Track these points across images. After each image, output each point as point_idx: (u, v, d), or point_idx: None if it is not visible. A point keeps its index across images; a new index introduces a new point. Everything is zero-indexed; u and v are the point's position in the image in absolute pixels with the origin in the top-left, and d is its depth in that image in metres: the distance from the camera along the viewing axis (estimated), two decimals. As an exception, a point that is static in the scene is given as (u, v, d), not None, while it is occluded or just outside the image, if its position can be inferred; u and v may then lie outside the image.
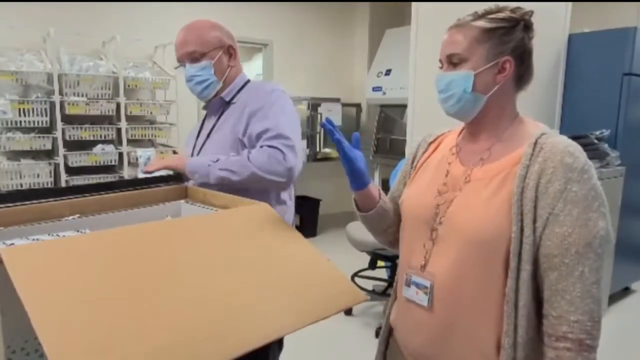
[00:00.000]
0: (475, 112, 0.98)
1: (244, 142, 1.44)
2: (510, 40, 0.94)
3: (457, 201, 0.96)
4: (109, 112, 3.65)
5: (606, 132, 3.04)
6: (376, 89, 4.71)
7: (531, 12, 0.97)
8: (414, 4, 3.34)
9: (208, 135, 1.53)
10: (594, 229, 0.84)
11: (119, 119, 3.72)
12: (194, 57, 1.48)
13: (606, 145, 2.99)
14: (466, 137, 1.05)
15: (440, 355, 0.98)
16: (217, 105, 1.56)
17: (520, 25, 0.95)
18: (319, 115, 4.98)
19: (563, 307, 0.85)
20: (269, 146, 1.36)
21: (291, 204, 1.58)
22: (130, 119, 3.78)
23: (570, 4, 3.30)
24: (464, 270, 0.92)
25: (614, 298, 3.37)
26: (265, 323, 0.75)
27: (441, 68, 1.01)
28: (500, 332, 0.90)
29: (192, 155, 1.55)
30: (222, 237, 0.92)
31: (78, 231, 1.00)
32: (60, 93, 3.44)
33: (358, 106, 5.37)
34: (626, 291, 3.60)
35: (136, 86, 3.81)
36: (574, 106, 3.34)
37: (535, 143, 0.91)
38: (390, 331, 1.15)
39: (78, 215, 1.07)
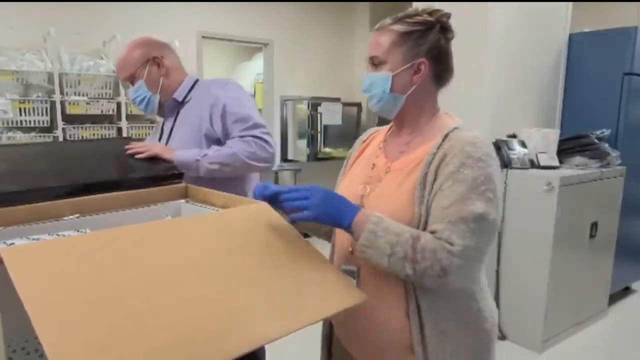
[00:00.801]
0: (396, 110, 1.05)
1: (213, 135, 1.54)
2: (424, 43, 1.00)
3: (376, 190, 1.05)
4: (109, 111, 3.65)
5: (607, 132, 3.03)
6: (377, 88, 4.70)
7: (449, 14, 1.03)
8: (414, 3, 3.34)
9: (169, 136, 1.62)
10: (471, 206, 0.89)
11: (119, 119, 3.72)
12: (129, 81, 1.60)
13: (607, 145, 2.99)
14: (392, 133, 1.13)
15: (365, 335, 1.04)
16: (171, 107, 1.65)
17: (436, 28, 1.01)
18: (319, 115, 4.98)
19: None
20: (252, 136, 1.50)
21: None
22: (131, 118, 3.79)
23: (570, 3, 3.30)
24: None
25: (614, 298, 3.36)
26: (265, 323, 0.75)
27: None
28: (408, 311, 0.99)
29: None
30: (221, 236, 0.92)
31: (78, 231, 1.00)
32: (61, 92, 3.44)
33: (358, 105, 5.37)
34: (626, 291, 3.60)
35: (137, 86, 3.80)
36: (575, 106, 3.34)
37: (447, 135, 0.99)
38: (331, 327, 1.21)
39: (77, 215, 1.07)
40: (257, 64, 5.31)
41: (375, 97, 1.04)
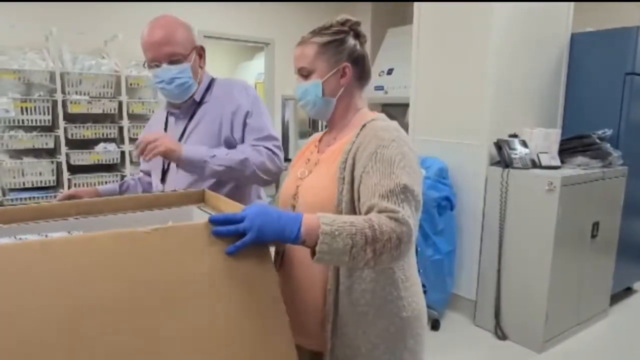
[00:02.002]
0: (330, 112, 1.18)
1: (232, 142, 1.49)
2: (344, 49, 1.13)
3: (307, 179, 1.17)
4: (111, 110, 3.66)
5: (608, 132, 3.03)
6: (378, 88, 4.70)
7: (359, 22, 1.17)
8: (415, 3, 3.33)
9: (182, 137, 1.52)
10: (396, 179, 0.97)
11: (120, 118, 3.73)
12: (175, 59, 1.44)
13: (608, 145, 2.98)
14: (326, 132, 1.27)
15: (290, 304, 1.01)
16: (187, 107, 1.54)
17: (351, 35, 1.15)
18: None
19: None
20: (265, 147, 1.46)
21: (267, 201, 1.65)
22: (132, 117, 3.79)
23: (572, 3, 3.30)
24: None
25: (615, 298, 3.36)
26: None
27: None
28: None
29: (162, 161, 1.54)
30: (169, 256, 0.82)
31: (69, 232, 0.98)
32: (63, 91, 3.44)
33: (360, 105, 5.36)
34: (628, 291, 3.60)
35: (138, 85, 3.81)
36: (576, 106, 3.33)
37: (364, 125, 1.10)
38: None
39: (74, 216, 1.06)
40: (258, 64, 5.31)
41: (309, 104, 1.16)
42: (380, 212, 0.93)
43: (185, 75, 1.46)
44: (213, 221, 0.87)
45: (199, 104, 1.54)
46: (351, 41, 1.15)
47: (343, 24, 1.16)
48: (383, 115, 1.16)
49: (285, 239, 0.88)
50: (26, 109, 3.33)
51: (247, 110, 1.49)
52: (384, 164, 0.99)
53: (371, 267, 1.02)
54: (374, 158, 1.01)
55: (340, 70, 1.14)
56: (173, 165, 1.50)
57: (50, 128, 3.48)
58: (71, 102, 3.46)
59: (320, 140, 1.27)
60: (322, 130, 1.38)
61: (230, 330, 0.82)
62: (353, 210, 1.04)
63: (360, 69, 1.17)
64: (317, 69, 1.13)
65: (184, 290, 0.80)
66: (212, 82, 1.58)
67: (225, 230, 0.86)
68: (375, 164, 1.00)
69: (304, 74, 1.15)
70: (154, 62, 1.45)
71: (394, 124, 1.11)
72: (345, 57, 1.13)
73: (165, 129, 1.59)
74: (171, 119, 1.60)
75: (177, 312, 0.78)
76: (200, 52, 1.53)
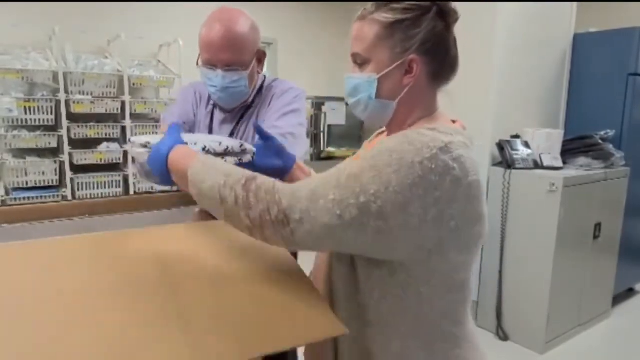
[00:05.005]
0: (387, 118, 0.87)
1: None
2: (416, 34, 0.78)
3: None
4: (114, 110, 3.67)
5: (611, 133, 3.02)
6: (380, 88, 4.71)
7: None
8: (418, 3, 3.33)
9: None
10: (357, 164, 0.73)
11: (123, 117, 3.73)
12: (232, 67, 1.27)
13: (611, 146, 2.98)
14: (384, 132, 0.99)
15: None
16: (237, 110, 1.41)
17: (432, 13, 0.79)
18: (322, 115, 4.98)
19: None
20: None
21: None
22: (135, 117, 3.80)
23: (575, 3, 3.29)
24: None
25: (617, 299, 3.35)
26: (225, 347, 0.65)
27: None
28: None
29: None
30: (184, 251, 0.84)
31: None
32: (66, 91, 3.45)
33: (362, 105, 5.36)
34: (630, 292, 3.59)
35: (141, 84, 3.82)
36: (579, 106, 3.33)
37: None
38: None
39: (79, 217, 1.06)
40: (260, 64, 5.33)
41: (360, 105, 0.86)
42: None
43: (241, 84, 1.30)
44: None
45: (249, 106, 1.42)
46: (430, 22, 0.79)
47: None
48: (452, 128, 0.80)
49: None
50: (29, 108, 3.34)
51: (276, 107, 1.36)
52: (370, 155, 0.73)
53: (258, 239, 0.77)
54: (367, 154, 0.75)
55: (405, 65, 0.80)
56: None
57: (53, 127, 3.49)
58: (74, 102, 3.47)
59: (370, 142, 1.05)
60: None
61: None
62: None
63: (438, 62, 0.82)
64: (374, 59, 0.81)
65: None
66: (263, 82, 1.44)
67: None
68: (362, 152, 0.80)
69: (358, 62, 0.84)
70: (209, 64, 1.27)
71: (442, 140, 0.73)
72: (416, 47, 0.79)
73: (211, 130, 1.43)
74: (217, 118, 1.44)
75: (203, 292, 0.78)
76: (261, 57, 1.36)
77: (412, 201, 0.69)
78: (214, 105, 1.43)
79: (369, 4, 0.83)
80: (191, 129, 1.44)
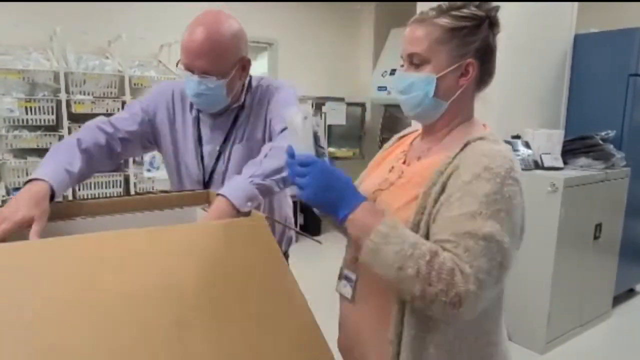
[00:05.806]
0: (436, 116, 0.93)
1: None
2: (474, 41, 0.88)
3: (385, 194, 0.95)
4: (114, 110, 3.66)
5: (611, 133, 3.02)
6: (381, 88, 4.70)
7: (497, 8, 0.91)
8: (419, 3, 3.33)
9: (225, 143, 1.37)
10: (479, 223, 0.77)
11: (124, 118, 3.73)
12: (208, 74, 1.23)
13: (611, 146, 2.98)
14: (421, 135, 1.02)
15: (355, 347, 0.98)
16: (228, 112, 1.37)
17: (486, 23, 0.90)
18: (323, 115, 4.98)
19: None
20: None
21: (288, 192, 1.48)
22: (136, 117, 3.79)
23: (576, 3, 3.29)
24: None
25: (618, 299, 3.35)
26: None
27: (402, 66, 0.94)
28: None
29: (208, 168, 1.39)
30: (166, 256, 0.82)
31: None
32: (67, 91, 3.45)
33: (362, 105, 5.36)
34: (631, 293, 3.59)
35: (142, 85, 3.82)
36: (580, 107, 3.33)
37: (467, 144, 0.88)
38: None
39: (81, 217, 1.06)
40: (261, 64, 5.31)
41: (413, 101, 0.91)
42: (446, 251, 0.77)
43: (216, 92, 1.25)
44: (289, 153, 0.83)
45: (242, 107, 1.37)
46: (484, 32, 0.89)
47: (478, 6, 0.89)
48: (492, 133, 0.93)
49: (335, 215, 0.81)
50: (30, 108, 3.34)
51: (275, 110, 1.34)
52: (474, 200, 0.78)
53: (420, 308, 0.81)
54: (465, 189, 0.80)
55: (461, 68, 0.89)
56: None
57: (54, 128, 3.48)
58: (75, 102, 3.47)
59: (411, 144, 1.03)
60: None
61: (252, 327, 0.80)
62: None
63: (485, 69, 0.93)
64: (434, 60, 0.88)
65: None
66: (250, 81, 1.39)
67: (291, 180, 0.83)
68: (462, 196, 0.80)
69: (415, 62, 0.89)
70: (186, 68, 1.24)
71: (506, 148, 0.88)
72: (473, 51, 0.88)
73: (200, 141, 1.39)
74: (205, 121, 1.39)
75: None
76: (245, 64, 1.31)
77: (516, 226, 0.86)
78: (199, 110, 1.39)
79: (429, 9, 0.90)
80: (153, 125, 1.40)
